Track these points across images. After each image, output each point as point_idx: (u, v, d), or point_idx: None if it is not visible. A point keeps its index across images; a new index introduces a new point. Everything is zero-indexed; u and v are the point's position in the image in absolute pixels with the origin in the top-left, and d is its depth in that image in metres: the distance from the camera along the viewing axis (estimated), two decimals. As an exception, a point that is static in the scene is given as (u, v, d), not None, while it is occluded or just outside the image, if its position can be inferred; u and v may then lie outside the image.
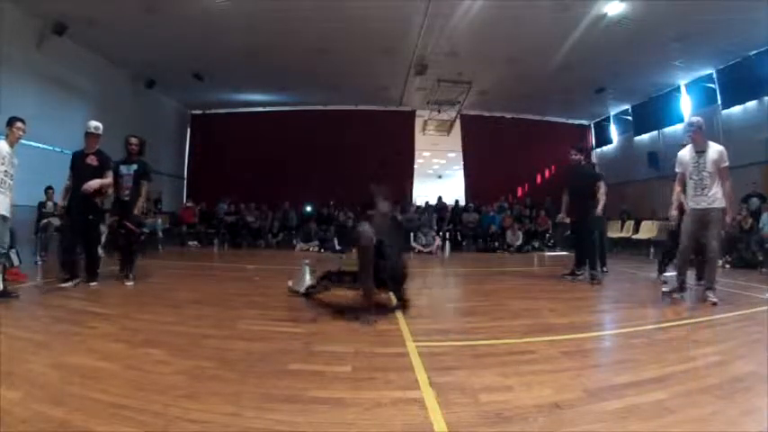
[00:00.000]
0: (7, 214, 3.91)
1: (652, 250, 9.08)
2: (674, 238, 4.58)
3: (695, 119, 4.24)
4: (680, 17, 7.02)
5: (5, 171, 3.89)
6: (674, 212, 4.32)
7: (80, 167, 4.49)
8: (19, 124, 3.99)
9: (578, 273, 5.47)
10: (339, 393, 1.90)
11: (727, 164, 3.94)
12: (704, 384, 2.02)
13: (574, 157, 5.72)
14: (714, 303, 3.80)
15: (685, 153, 4.17)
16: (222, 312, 3.46)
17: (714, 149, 3.98)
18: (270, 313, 3.47)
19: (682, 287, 4.16)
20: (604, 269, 6.01)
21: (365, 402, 1.81)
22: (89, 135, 4.55)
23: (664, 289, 4.33)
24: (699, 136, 4.06)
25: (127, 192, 4.85)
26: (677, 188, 4.28)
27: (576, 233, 5.67)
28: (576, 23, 7.47)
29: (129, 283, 4.69)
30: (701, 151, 4.02)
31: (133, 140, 5.01)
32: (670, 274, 4.82)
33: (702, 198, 3.96)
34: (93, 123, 4.60)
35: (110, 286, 4.61)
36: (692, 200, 4.04)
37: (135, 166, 4.90)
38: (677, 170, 4.24)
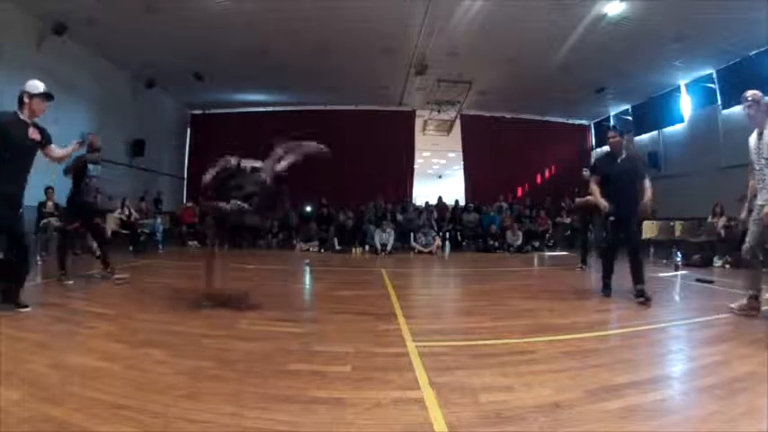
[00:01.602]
0: None
1: (652, 250, 9.08)
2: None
3: (750, 92, 3.42)
4: (680, 17, 7.02)
5: None
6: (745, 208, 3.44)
7: (21, 140, 3.37)
8: None
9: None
10: (339, 393, 1.90)
11: None
12: (704, 384, 2.02)
13: (613, 139, 4.37)
14: None
15: (752, 137, 3.46)
16: (222, 312, 3.46)
17: None
18: (270, 313, 3.47)
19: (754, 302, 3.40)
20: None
21: (365, 402, 1.81)
22: (37, 99, 3.54)
23: (732, 305, 3.51)
24: (755, 112, 3.34)
25: (96, 195, 4.80)
26: (750, 180, 3.55)
27: (614, 235, 4.30)
28: (576, 23, 7.47)
29: (122, 276, 4.75)
30: (760, 132, 3.31)
31: (97, 137, 4.84)
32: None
33: (763, 192, 3.28)
34: (42, 84, 3.61)
35: (110, 286, 4.61)
36: (759, 195, 3.32)
37: (100, 167, 4.84)
38: (752, 157, 3.48)
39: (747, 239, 3.47)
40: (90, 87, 8.88)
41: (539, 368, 2.26)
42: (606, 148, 4.68)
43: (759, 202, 3.35)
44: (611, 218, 4.13)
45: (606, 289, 4.37)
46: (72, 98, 8.35)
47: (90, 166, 4.69)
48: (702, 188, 8.62)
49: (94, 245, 7.39)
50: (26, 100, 3.48)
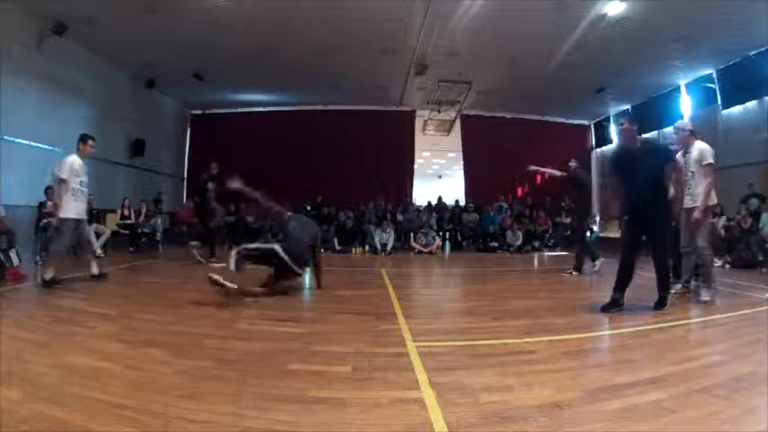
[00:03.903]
0: (79, 217, 4.72)
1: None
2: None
3: (679, 122, 4.59)
4: (680, 17, 7.02)
5: (80, 182, 4.68)
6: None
7: None
8: (91, 142, 4.85)
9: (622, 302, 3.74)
10: (339, 393, 1.90)
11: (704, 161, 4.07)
12: (704, 384, 2.02)
13: (623, 126, 4.02)
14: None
15: (679, 154, 4.31)
16: (222, 312, 3.47)
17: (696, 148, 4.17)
18: (270, 313, 3.47)
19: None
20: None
21: (365, 402, 1.81)
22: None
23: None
24: (680, 137, 4.33)
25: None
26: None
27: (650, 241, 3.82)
28: (576, 23, 7.46)
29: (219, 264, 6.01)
30: (686, 152, 4.26)
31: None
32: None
33: (687, 198, 4.24)
34: None
35: (110, 286, 4.62)
36: (684, 199, 4.30)
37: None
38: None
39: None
40: (90, 87, 8.88)
41: (539, 368, 2.26)
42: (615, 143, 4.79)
43: (688, 204, 4.17)
44: (626, 216, 3.77)
45: (614, 305, 3.66)
46: (72, 98, 8.36)
47: (209, 184, 6.91)
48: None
49: (96, 245, 7.51)
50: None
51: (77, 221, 4.70)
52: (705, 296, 3.97)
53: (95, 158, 9.09)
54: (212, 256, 6.81)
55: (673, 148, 4.24)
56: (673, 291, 4.03)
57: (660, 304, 3.72)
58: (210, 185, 6.97)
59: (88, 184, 4.85)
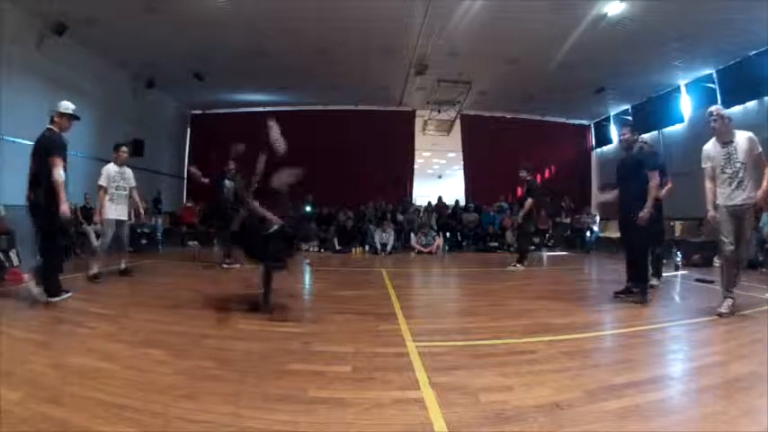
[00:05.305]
0: (119, 218, 5.26)
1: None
2: None
3: (714, 107, 3.85)
4: (680, 17, 7.01)
5: (116, 186, 5.22)
6: None
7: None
8: (123, 148, 5.46)
9: (635, 290, 4.18)
10: (339, 393, 1.90)
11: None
12: (704, 384, 2.02)
13: (622, 136, 4.48)
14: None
15: (708, 145, 3.85)
16: (222, 312, 3.46)
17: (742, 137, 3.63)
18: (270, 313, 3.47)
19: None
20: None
21: (365, 402, 1.81)
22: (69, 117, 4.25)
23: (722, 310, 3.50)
24: (720, 125, 3.73)
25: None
26: (708, 184, 3.90)
27: (626, 240, 4.38)
28: (576, 23, 7.46)
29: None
30: (725, 142, 3.72)
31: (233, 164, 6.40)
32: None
33: (737, 192, 3.65)
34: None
35: (110, 286, 4.62)
36: (733, 194, 3.69)
37: (234, 183, 6.24)
38: (711, 163, 3.81)
39: (727, 241, 3.59)
40: (90, 87, 8.86)
41: (539, 368, 2.26)
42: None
43: (738, 201, 3.57)
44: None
45: (625, 291, 4.15)
46: (72, 98, 8.26)
47: (226, 182, 6.41)
48: (702, 188, 8.63)
49: (96, 245, 7.50)
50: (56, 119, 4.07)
51: (117, 222, 5.25)
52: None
53: (95, 158, 9.15)
54: (228, 257, 6.57)
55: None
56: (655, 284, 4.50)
57: (642, 294, 3.99)
58: (227, 183, 6.45)
59: (126, 187, 5.37)
